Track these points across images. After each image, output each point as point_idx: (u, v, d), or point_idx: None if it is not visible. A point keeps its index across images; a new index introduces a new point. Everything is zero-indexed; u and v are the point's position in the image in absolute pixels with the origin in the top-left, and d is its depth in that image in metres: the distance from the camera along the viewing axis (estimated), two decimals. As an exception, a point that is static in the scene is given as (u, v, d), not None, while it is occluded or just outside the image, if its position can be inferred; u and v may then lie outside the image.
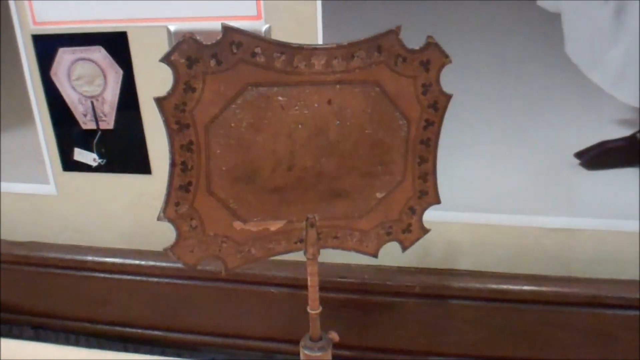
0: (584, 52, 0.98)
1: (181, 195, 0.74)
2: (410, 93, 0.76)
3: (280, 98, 0.73)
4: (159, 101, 0.69)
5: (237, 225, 0.77)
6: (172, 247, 0.76)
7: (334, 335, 0.87)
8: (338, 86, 0.74)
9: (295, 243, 0.80)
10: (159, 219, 0.74)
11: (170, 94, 0.69)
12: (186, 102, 0.70)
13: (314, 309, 0.83)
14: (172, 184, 0.73)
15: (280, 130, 0.74)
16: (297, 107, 0.73)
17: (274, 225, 0.79)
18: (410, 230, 0.83)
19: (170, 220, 0.74)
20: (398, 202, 0.81)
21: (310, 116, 0.74)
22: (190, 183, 0.73)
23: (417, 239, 0.84)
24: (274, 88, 0.72)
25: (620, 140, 1.02)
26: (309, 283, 0.82)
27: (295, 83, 0.72)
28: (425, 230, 0.84)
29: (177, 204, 0.74)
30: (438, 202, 0.83)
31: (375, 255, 0.84)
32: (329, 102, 0.74)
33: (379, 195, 0.80)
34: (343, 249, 0.83)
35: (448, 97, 0.77)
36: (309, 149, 0.75)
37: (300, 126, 0.74)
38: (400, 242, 0.84)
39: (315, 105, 0.74)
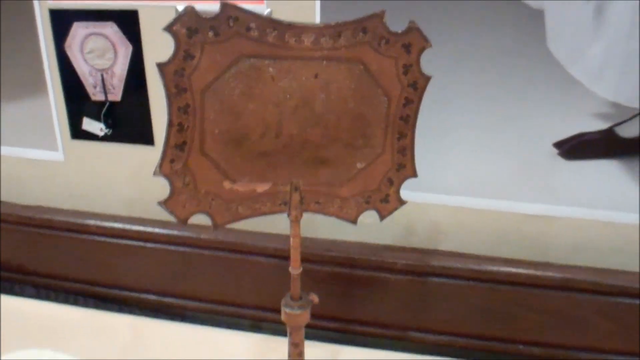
0: (565, 48, 1.06)
1: (176, 153, 0.82)
2: (391, 72, 0.84)
3: (270, 70, 0.81)
4: (160, 66, 0.78)
5: (227, 184, 0.86)
6: (166, 201, 0.85)
7: (314, 297, 0.96)
8: (325, 62, 0.82)
9: (280, 205, 0.89)
10: (155, 174, 0.83)
11: (170, 60, 0.78)
12: (185, 68, 0.79)
13: (295, 269, 0.91)
14: (169, 142, 0.82)
15: (270, 100, 0.82)
16: (286, 79, 0.82)
17: (261, 187, 0.87)
18: (388, 200, 0.92)
19: (165, 176, 0.83)
20: (377, 173, 0.90)
21: (298, 88, 0.83)
22: (185, 142, 0.82)
23: (394, 209, 0.93)
24: (266, 60, 0.81)
25: (598, 133, 1.10)
26: (291, 244, 0.90)
27: (285, 57, 0.81)
28: (401, 202, 0.92)
29: (172, 161, 0.83)
30: (415, 175, 0.91)
31: (354, 222, 0.92)
32: (316, 76, 0.83)
33: (359, 165, 0.89)
34: (324, 213, 0.91)
35: (427, 78, 0.86)
36: (296, 118, 0.84)
37: (288, 97, 0.83)
38: (378, 211, 0.92)
39: (303, 78, 0.82)
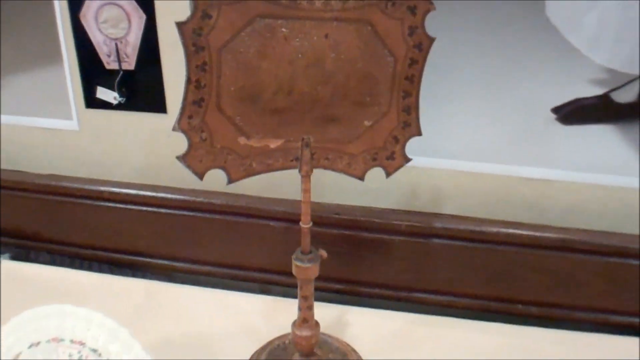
0: (563, 15, 1.11)
1: (194, 109, 0.87)
2: (397, 33, 0.89)
3: (284, 30, 0.86)
4: (180, 25, 0.83)
5: (242, 140, 0.91)
6: (184, 156, 0.90)
7: (323, 252, 1.01)
8: (335, 23, 0.87)
9: (292, 161, 0.94)
10: (173, 129, 0.88)
11: (189, 19, 0.83)
12: (202, 28, 0.84)
13: (305, 223, 0.96)
14: (187, 98, 0.87)
15: (283, 58, 0.87)
16: (298, 39, 0.87)
17: (274, 143, 0.93)
18: (393, 157, 0.97)
19: (184, 131, 0.88)
20: (384, 131, 0.95)
21: (309, 47, 0.88)
22: (202, 99, 0.87)
23: (400, 167, 0.98)
24: (279, 20, 0.86)
25: (594, 98, 1.15)
26: (302, 199, 0.95)
27: (297, 17, 0.86)
28: (407, 159, 0.98)
29: (190, 117, 0.88)
30: (419, 133, 0.96)
31: (361, 178, 0.98)
32: (326, 36, 0.87)
33: (367, 123, 0.94)
34: (333, 169, 0.96)
35: (431, 40, 0.91)
36: (307, 76, 0.89)
37: (300, 56, 0.88)
38: (385, 168, 0.98)
39: (314, 38, 0.87)
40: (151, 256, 1.38)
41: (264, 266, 1.32)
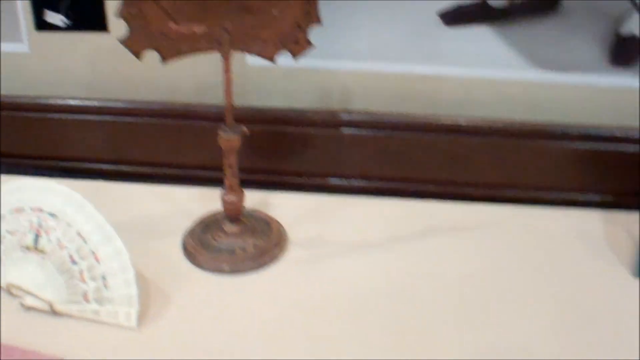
0: None
1: (132, 1, 1.14)
2: None
3: None
4: None
5: (172, 25, 1.17)
6: (125, 40, 1.15)
7: (245, 129, 1.27)
8: None
9: (214, 44, 1.21)
10: (116, 15, 1.14)
11: None
12: None
13: (228, 100, 1.24)
14: (126, -10, 1.13)
15: (205, -45, 1.14)
16: (217, -58, 1.14)
17: (199, 28, 1.18)
18: (298, 42, 1.24)
19: (124, 18, 1.13)
20: (289, 19, 1.20)
21: (227, -51, 1.14)
22: (139, -9, 1.13)
23: (303, 50, 1.24)
24: None
25: (473, 5, 1.44)
26: (224, 80, 1.22)
27: None
28: (309, 44, 1.24)
29: (129, 7, 1.13)
30: (319, 21, 1.21)
31: (272, 60, 1.24)
32: (239, -63, 1.15)
33: (275, 12, 1.20)
34: (249, 52, 1.23)
35: (325, -57, 1.19)
36: (225, -29, 1.16)
37: (219, -46, 1.15)
38: (291, 51, 1.25)
39: (230, -62, 1.14)
40: (99, 161, 1.62)
41: (200, 163, 1.58)
